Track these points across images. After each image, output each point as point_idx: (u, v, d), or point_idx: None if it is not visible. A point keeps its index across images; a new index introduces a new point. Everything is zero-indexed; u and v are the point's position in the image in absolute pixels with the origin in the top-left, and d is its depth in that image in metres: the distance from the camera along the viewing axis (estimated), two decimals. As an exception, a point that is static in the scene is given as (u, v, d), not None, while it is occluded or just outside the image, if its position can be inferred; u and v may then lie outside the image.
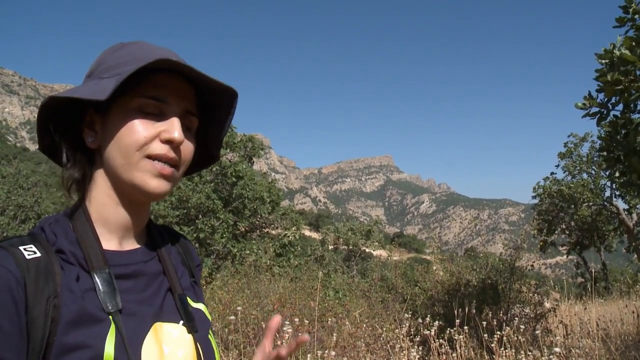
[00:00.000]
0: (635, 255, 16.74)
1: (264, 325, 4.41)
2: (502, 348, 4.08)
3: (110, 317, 0.70)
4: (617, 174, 4.30)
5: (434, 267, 9.32)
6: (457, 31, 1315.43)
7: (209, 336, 0.85)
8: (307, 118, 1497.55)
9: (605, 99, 3.95)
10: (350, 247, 26.18)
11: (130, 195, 0.78)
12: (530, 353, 4.10)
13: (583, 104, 4.01)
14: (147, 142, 0.75)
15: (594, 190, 16.32)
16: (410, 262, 15.82)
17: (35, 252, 0.69)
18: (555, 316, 6.42)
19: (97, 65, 0.80)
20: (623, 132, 4.02)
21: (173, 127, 0.76)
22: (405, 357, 4.25)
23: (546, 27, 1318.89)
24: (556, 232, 18.63)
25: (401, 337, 4.82)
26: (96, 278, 0.72)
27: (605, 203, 16.05)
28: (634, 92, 3.72)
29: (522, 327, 5.15)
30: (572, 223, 18.26)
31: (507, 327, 4.62)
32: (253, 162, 17.75)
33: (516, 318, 6.25)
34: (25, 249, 0.68)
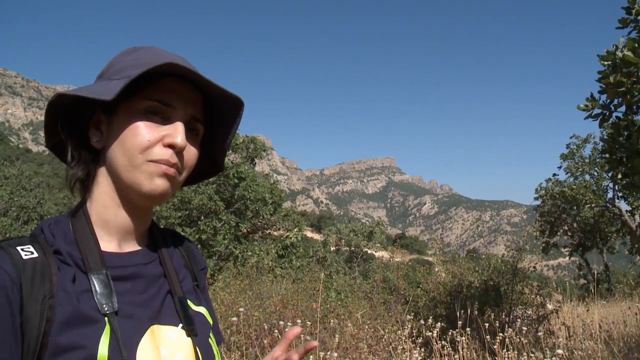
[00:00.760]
0: (638, 257, 16.70)
1: (266, 327, 4.41)
2: (505, 350, 4.07)
3: (106, 318, 0.70)
4: (619, 176, 4.29)
5: (436, 269, 9.33)
6: (460, 32, 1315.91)
7: (210, 340, 0.85)
8: (309, 119, 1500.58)
9: (608, 101, 3.95)
10: (352, 248, 26.13)
11: (130, 197, 0.79)
12: (532, 355, 4.10)
13: (585, 106, 4.00)
14: (150, 145, 0.75)
15: (597, 192, 16.29)
16: (412, 264, 15.77)
17: (32, 253, 0.69)
18: (558, 318, 6.40)
19: (109, 67, 0.81)
20: (625, 134, 4.01)
21: (177, 132, 0.76)
22: (408, 358, 4.24)
23: (549, 28, 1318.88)
24: (558, 233, 18.61)
25: (403, 338, 4.82)
26: (93, 279, 0.72)
27: (608, 204, 16.01)
28: (636, 93, 3.71)
29: (525, 328, 5.15)
30: (575, 224, 18.22)
31: (509, 329, 4.62)
32: (255, 163, 17.78)
33: (518, 320, 6.24)
34: (22, 249, 0.69)
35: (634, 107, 3.88)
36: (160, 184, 0.76)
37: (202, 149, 0.86)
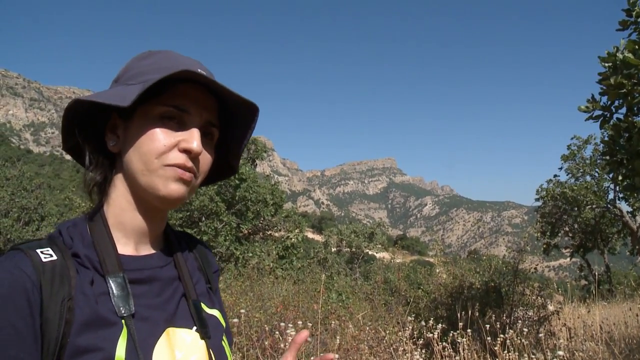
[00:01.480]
0: (639, 258, 16.69)
1: (267, 328, 4.42)
2: (506, 351, 4.07)
3: (123, 321, 0.71)
4: (620, 178, 4.29)
5: (437, 270, 9.33)
6: (461, 33, 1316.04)
7: (223, 342, 0.86)
8: (310, 120, 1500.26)
9: (609, 102, 3.95)
10: (353, 249, 26.15)
11: (146, 201, 0.80)
12: (533, 356, 4.10)
13: (586, 107, 4.01)
14: (166, 150, 0.76)
15: (597, 193, 16.27)
16: (413, 265, 15.78)
17: (51, 255, 0.71)
18: (559, 319, 6.40)
19: (124, 71, 0.82)
20: (626, 135, 4.02)
21: (192, 137, 0.77)
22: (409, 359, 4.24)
23: (550, 29, 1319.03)
24: (559, 234, 18.60)
25: (404, 339, 4.82)
26: (110, 282, 0.73)
27: (609, 205, 15.99)
28: (637, 95, 3.72)
29: (526, 330, 5.15)
30: (576, 225, 18.23)
31: (510, 330, 4.62)
32: (256, 164, 17.82)
33: (519, 321, 6.24)
34: (42, 252, 0.70)
35: (635, 109, 3.89)
36: (176, 188, 0.77)
37: (217, 151, 0.87)
